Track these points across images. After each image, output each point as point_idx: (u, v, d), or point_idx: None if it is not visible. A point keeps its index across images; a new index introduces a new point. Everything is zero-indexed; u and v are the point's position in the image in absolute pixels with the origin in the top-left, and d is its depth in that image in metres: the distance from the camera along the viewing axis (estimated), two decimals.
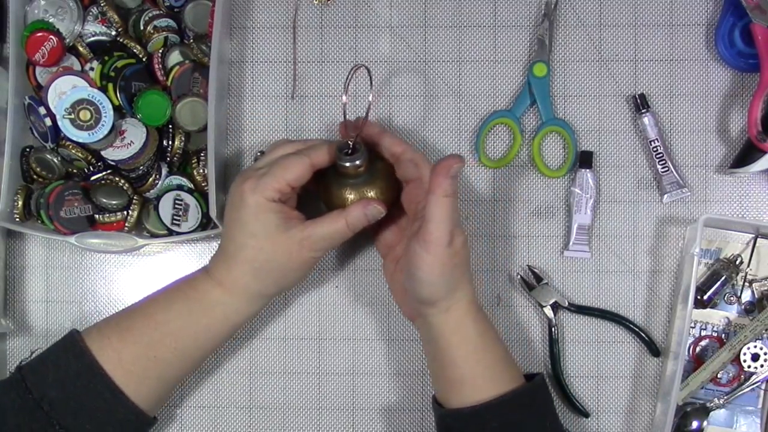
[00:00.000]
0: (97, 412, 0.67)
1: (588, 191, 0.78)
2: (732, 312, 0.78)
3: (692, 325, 0.78)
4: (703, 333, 0.78)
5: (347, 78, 0.68)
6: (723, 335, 0.78)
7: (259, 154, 0.80)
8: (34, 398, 0.66)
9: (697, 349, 0.78)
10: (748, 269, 0.77)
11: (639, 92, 0.79)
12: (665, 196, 0.79)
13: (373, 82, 0.81)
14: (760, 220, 0.79)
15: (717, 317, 0.78)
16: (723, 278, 0.76)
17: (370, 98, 0.71)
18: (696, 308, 0.77)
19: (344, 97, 0.69)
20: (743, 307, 0.78)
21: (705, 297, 0.76)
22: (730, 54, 0.79)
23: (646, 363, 0.79)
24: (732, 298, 0.78)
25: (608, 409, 0.80)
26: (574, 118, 0.80)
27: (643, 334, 0.78)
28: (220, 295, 0.70)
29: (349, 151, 0.69)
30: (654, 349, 0.78)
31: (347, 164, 0.68)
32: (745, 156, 0.77)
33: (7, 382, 0.69)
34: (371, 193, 0.70)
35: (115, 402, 0.67)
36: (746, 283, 0.77)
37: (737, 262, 0.77)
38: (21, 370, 0.68)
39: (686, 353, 0.76)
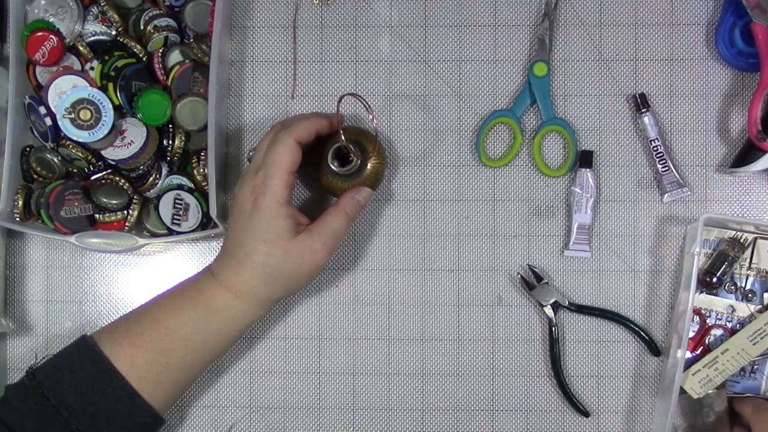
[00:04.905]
0: (116, 417, 0.67)
1: (588, 191, 0.78)
2: (732, 299, 0.78)
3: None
4: (709, 322, 0.78)
5: (336, 107, 0.71)
6: (727, 323, 0.78)
7: (251, 153, 0.80)
8: (52, 405, 0.66)
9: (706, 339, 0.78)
10: (749, 271, 0.77)
11: (639, 92, 0.79)
12: (665, 195, 0.79)
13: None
14: (760, 219, 0.79)
15: (721, 305, 0.78)
16: (731, 258, 0.76)
17: (374, 123, 0.75)
18: (704, 292, 0.77)
19: (341, 133, 0.71)
20: (744, 295, 0.77)
21: (714, 279, 0.76)
22: (730, 53, 0.79)
23: (646, 362, 0.79)
24: (732, 287, 0.77)
25: (608, 409, 0.80)
26: (574, 117, 0.80)
27: (643, 334, 0.78)
28: (229, 300, 0.70)
29: (344, 161, 0.73)
30: (654, 348, 0.78)
31: (343, 172, 0.73)
32: (745, 155, 0.77)
33: (22, 389, 0.68)
34: (358, 179, 0.74)
35: (134, 406, 0.67)
36: (749, 272, 0.77)
37: (741, 240, 0.77)
38: (35, 375, 0.67)
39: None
